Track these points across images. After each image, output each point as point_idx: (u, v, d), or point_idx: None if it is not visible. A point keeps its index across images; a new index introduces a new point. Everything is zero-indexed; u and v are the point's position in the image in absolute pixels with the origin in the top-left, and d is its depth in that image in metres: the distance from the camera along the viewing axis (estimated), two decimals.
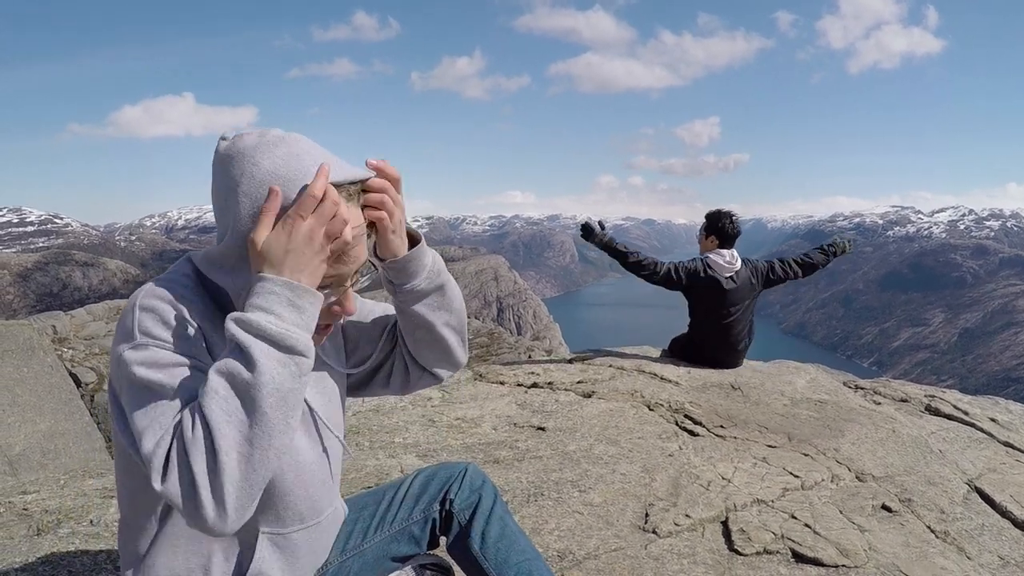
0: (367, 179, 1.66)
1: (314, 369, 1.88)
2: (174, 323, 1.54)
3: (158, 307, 1.54)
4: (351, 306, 1.72)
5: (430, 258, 1.92)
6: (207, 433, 1.38)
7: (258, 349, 1.41)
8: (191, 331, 1.57)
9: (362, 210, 1.66)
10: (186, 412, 1.42)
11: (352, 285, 1.72)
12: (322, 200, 1.50)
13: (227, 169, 1.60)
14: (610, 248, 6.90)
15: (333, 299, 1.68)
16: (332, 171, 1.56)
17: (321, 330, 1.73)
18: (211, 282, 1.68)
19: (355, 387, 2.16)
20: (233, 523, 1.40)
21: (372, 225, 1.71)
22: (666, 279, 6.85)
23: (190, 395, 1.47)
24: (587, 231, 6.97)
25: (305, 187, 1.52)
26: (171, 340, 1.52)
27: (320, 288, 1.59)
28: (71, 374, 13.21)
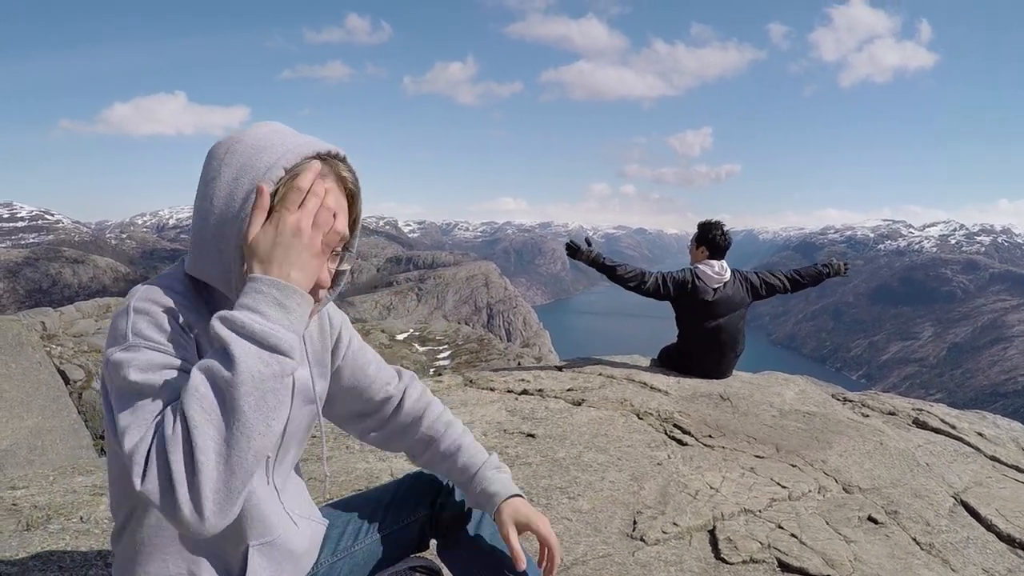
0: (339, 154, 1.68)
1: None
2: (167, 326, 1.54)
3: (151, 309, 1.54)
4: (325, 276, 1.69)
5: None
6: (185, 431, 1.35)
7: (239, 347, 1.40)
8: (183, 333, 1.57)
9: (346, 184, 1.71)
10: (168, 410, 1.41)
11: (330, 259, 1.73)
12: (309, 193, 1.54)
13: (211, 155, 1.65)
14: (597, 264, 6.91)
15: None
16: (312, 144, 1.63)
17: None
18: (202, 282, 1.71)
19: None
20: (211, 525, 1.37)
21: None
22: (654, 291, 6.87)
23: (175, 395, 1.45)
24: (572, 249, 6.99)
25: (294, 178, 1.57)
26: (164, 342, 1.51)
27: None
28: (59, 371, 13.18)
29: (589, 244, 6.96)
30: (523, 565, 1.97)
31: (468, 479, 2.14)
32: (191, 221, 1.69)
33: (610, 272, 6.94)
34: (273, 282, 1.46)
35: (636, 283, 6.89)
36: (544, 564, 2.04)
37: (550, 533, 2.02)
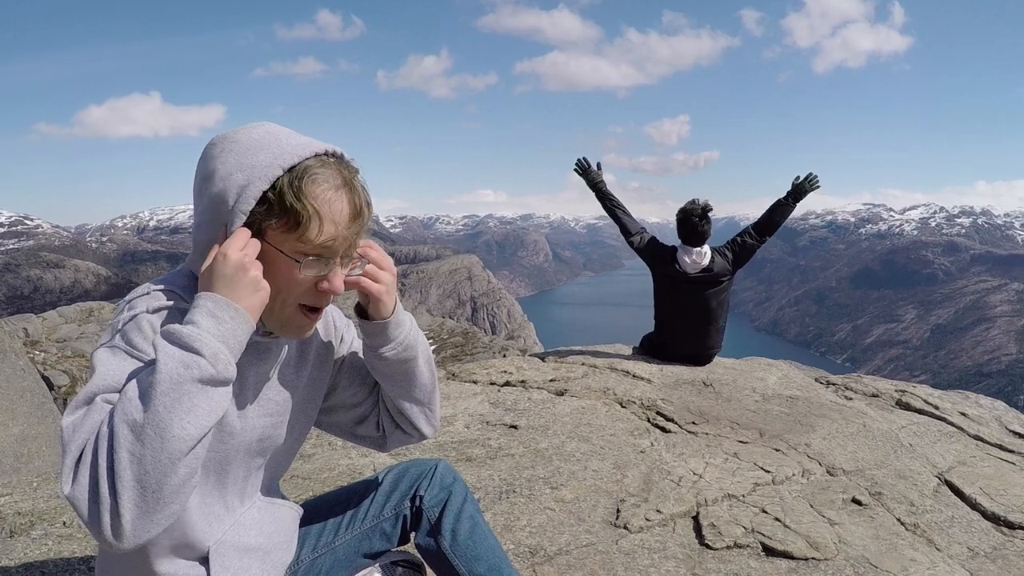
0: (338, 152, 1.71)
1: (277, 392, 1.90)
2: (152, 334, 1.55)
3: (143, 312, 1.58)
4: (339, 284, 1.72)
5: (404, 332, 1.96)
6: (109, 437, 1.38)
7: (164, 350, 1.43)
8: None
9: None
10: (107, 417, 1.42)
11: (343, 265, 1.73)
12: (251, 241, 1.59)
13: (207, 154, 1.66)
14: (597, 190, 7.10)
15: (322, 273, 1.68)
16: (310, 145, 1.66)
17: (310, 314, 1.75)
18: None
19: (345, 429, 2.22)
20: (129, 534, 1.37)
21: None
22: (638, 247, 7.05)
23: None
24: (583, 168, 7.16)
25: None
26: (145, 348, 1.54)
27: (308, 256, 1.64)
28: (43, 377, 13.11)
29: (600, 168, 7.18)
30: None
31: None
32: (190, 228, 1.74)
33: (603, 203, 7.12)
34: (209, 295, 1.52)
35: (623, 229, 7.11)
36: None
37: None
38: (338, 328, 2.11)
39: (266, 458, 1.96)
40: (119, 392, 1.47)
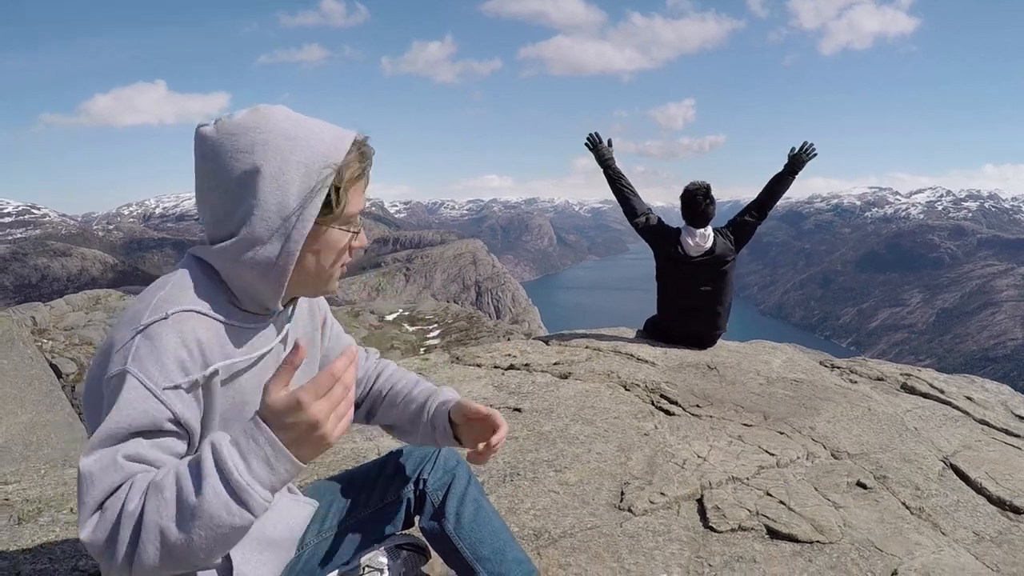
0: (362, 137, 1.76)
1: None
2: (172, 361, 1.55)
3: (164, 353, 1.55)
4: (364, 237, 1.86)
5: None
6: (139, 521, 1.40)
7: (211, 486, 1.40)
8: (190, 364, 1.58)
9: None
10: (135, 486, 1.44)
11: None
12: (339, 383, 1.49)
13: (235, 148, 1.63)
14: (605, 166, 7.04)
15: (355, 232, 1.81)
16: (347, 137, 1.72)
17: (341, 267, 1.83)
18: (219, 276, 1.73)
19: None
20: None
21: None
22: (642, 229, 6.99)
23: (146, 457, 1.50)
24: (593, 143, 7.11)
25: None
26: (159, 383, 1.52)
27: (349, 224, 1.76)
28: (51, 365, 13.15)
29: (610, 144, 7.12)
30: (498, 420, 2.05)
31: (428, 396, 2.21)
32: (213, 217, 1.70)
33: (611, 182, 7.07)
34: (270, 439, 1.44)
35: (628, 209, 7.06)
36: (491, 439, 2.04)
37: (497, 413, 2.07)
38: (321, 308, 2.16)
39: None
40: (142, 437, 1.50)
